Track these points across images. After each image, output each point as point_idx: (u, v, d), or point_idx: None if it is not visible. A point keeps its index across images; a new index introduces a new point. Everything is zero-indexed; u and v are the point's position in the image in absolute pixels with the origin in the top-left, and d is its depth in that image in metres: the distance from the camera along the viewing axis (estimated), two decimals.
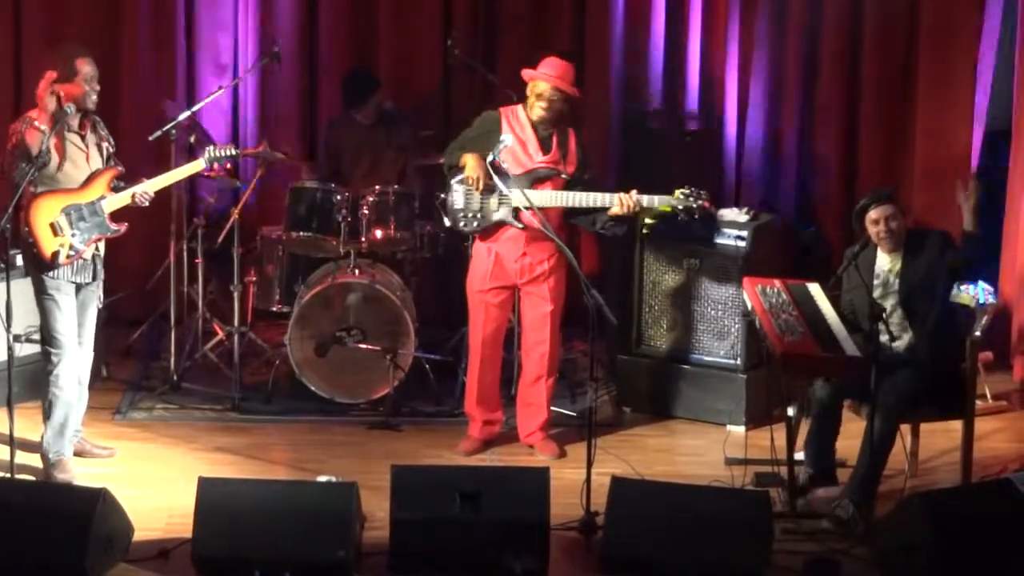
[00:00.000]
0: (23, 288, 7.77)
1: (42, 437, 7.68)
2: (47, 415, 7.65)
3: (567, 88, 7.84)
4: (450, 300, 9.06)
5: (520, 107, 7.96)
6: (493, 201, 7.93)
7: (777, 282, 7.71)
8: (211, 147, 7.97)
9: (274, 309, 9.11)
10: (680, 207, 7.82)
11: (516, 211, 7.89)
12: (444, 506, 6.81)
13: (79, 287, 7.64)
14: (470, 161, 7.87)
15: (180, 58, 9.75)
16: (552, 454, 8.09)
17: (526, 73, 7.90)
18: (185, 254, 9.08)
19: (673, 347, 8.65)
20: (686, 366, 8.61)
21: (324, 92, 9.85)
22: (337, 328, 8.56)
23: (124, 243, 8.02)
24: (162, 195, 7.89)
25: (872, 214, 7.50)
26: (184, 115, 8.78)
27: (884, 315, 7.25)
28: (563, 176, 7.89)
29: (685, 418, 8.62)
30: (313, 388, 8.62)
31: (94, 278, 7.68)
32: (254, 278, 9.10)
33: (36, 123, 7.46)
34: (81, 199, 7.55)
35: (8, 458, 7.36)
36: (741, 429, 8.43)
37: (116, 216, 7.64)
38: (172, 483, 7.63)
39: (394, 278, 8.90)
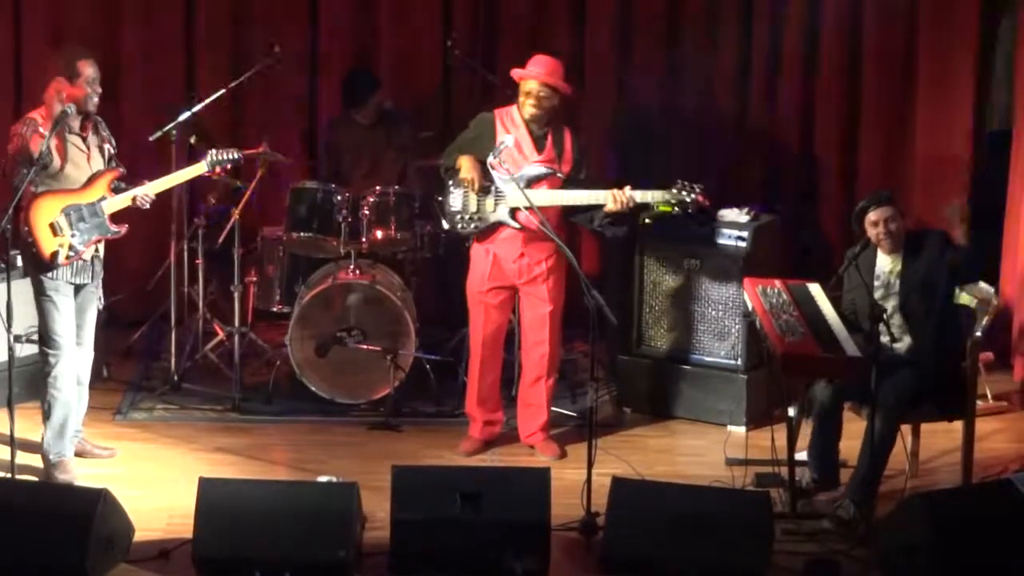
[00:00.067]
0: (24, 288, 7.78)
1: (42, 438, 7.68)
2: (46, 417, 7.65)
3: (556, 84, 7.86)
4: (450, 300, 9.05)
5: (514, 107, 7.97)
6: (489, 202, 7.93)
7: (778, 282, 7.71)
8: (213, 150, 7.96)
9: (275, 309, 9.11)
10: (673, 201, 7.82)
11: (513, 211, 7.90)
12: (445, 506, 6.81)
13: (78, 288, 7.64)
14: (465, 163, 7.89)
15: (180, 59, 9.74)
16: (553, 455, 8.09)
17: (515, 73, 7.93)
18: (186, 254, 9.09)
19: (674, 347, 8.65)
20: (687, 366, 8.62)
21: (324, 92, 9.85)
22: (338, 328, 8.56)
23: (125, 244, 8.01)
24: (163, 196, 7.89)
25: (871, 216, 7.51)
26: (184, 115, 8.78)
27: (885, 316, 7.25)
28: (559, 175, 7.90)
29: (686, 418, 8.62)
30: (314, 388, 8.62)
31: (93, 278, 7.68)
32: (254, 278, 9.10)
33: (41, 128, 7.45)
34: (81, 200, 7.55)
35: (9, 458, 7.36)
36: (742, 429, 8.43)
37: (117, 217, 7.64)
38: (173, 483, 7.63)
39: (394, 278, 8.90)
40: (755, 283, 7.72)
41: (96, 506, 6.68)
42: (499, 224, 7.94)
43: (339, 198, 8.77)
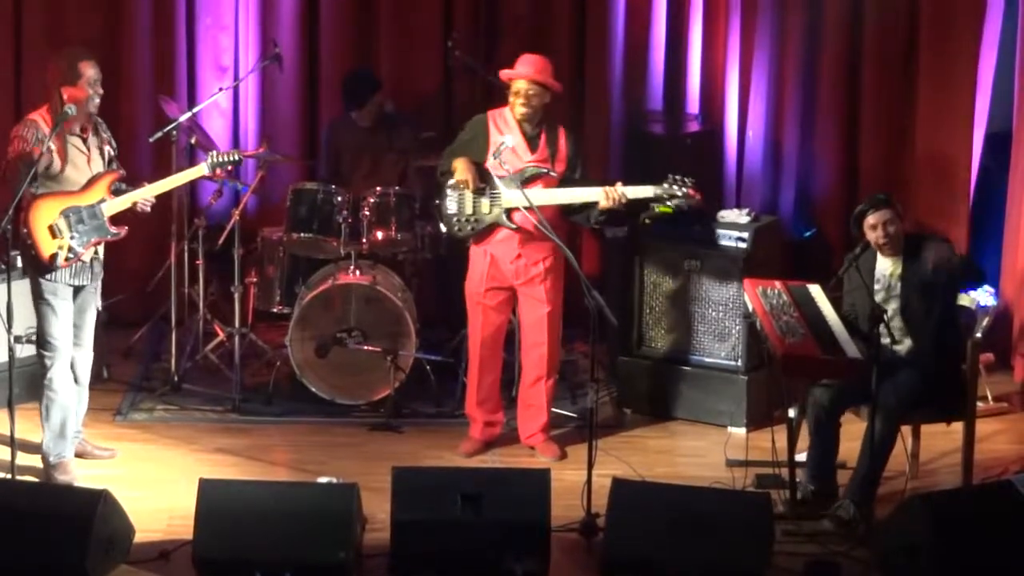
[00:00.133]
0: (24, 289, 7.77)
1: (43, 439, 7.68)
2: (45, 419, 7.65)
3: (545, 81, 7.86)
4: (451, 301, 9.05)
5: (507, 108, 7.97)
6: (485, 203, 7.93)
7: (778, 283, 7.71)
8: (214, 152, 7.95)
9: (275, 310, 9.10)
10: (665, 196, 7.83)
11: (509, 212, 7.90)
12: (445, 507, 6.81)
13: (77, 290, 7.64)
14: (459, 165, 7.90)
15: (180, 59, 9.74)
16: (553, 455, 8.09)
17: (503, 74, 7.94)
18: (186, 255, 9.08)
19: (674, 348, 8.65)
20: (687, 367, 8.61)
21: (324, 93, 9.84)
22: (338, 329, 8.56)
23: (125, 245, 8.01)
24: (163, 196, 7.89)
25: (870, 219, 7.50)
26: (184, 116, 8.78)
27: (885, 317, 7.25)
28: (553, 175, 7.90)
29: (686, 419, 8.62)
30: (314, 389, 8.62)
31: (92, 279, 7.67)
32: (255, 279, 9.09)
33: (40, 135, 7.42)
34: (81, 202, 7.55)
35: (9, 459, 7.36)
36: (742, 431, 8.43)
37: (116, 220, 7.64)
38: (173, 484, 7.63)
39: (395, 279, 8.90)
40: (755, 284, 7.72)
41: (96, 507, 6.69)
42: (496, 225, 7.94)
43: (340, 199, 8.77)
